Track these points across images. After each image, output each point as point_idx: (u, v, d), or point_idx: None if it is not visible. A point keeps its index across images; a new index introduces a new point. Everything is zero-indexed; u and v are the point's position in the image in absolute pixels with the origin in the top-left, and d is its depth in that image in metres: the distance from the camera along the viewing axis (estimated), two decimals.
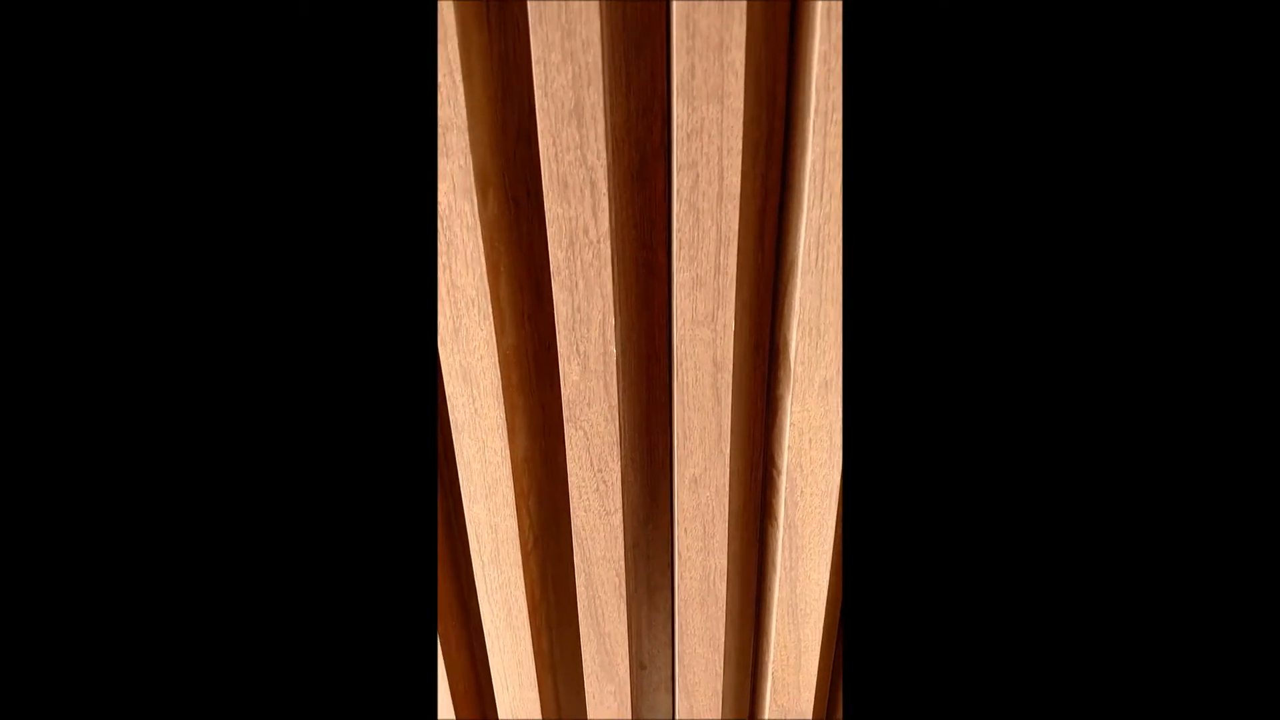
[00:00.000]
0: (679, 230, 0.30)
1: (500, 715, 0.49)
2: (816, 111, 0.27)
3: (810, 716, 0.43)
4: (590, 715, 0.47)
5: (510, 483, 0.38)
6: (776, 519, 0.37)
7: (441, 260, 0.32)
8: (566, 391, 0.35)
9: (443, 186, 0.31)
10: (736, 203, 0.29)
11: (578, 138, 0.28)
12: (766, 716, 0.45)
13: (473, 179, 0.31)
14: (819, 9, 0.25)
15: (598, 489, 0.37)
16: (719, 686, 0.43)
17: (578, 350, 0.33)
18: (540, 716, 0.47)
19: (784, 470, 0.35)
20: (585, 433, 0.35)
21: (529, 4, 0.27)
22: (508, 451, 0.37)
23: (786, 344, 0.33)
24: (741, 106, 0.27)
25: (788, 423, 0.34)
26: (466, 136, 0.30)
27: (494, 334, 0.34)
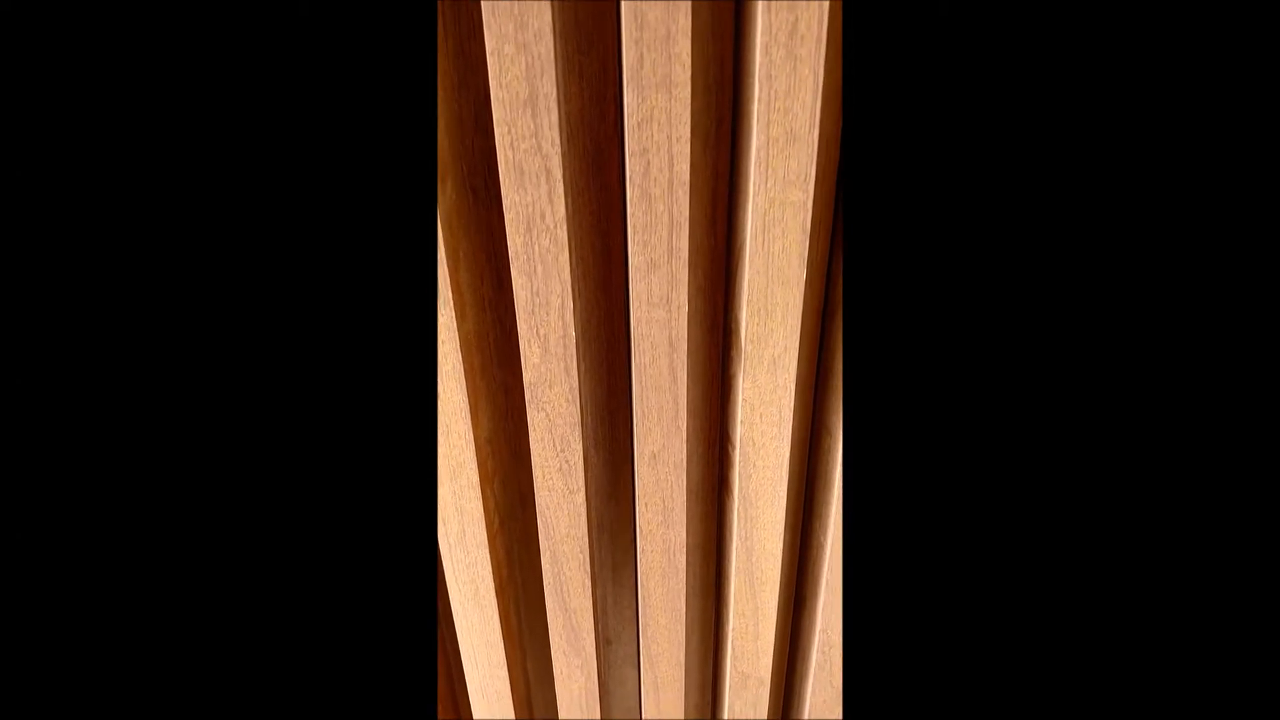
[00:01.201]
0: (633, 215, 0.31)
1: (470, 693, 0.50)
2: (760, 100, 0.28)
3: (769, 680, 0.45)
4: (559, 691, 0.48)
5: (475, 465, 0.39)
6: (732, 491, 0.39)
7: None
8: (528, 374, 0.36)
9: None
10: (687, 188, 0.30)
11: (533, 126, 0.29)
12: (728, 683, 0.47)
13: None
14: (760, 2, 0.27)
15: (561, 469, 0.38)
16: (681, 657, 0.45)
17: (538, 334, 0.34)
18: (510, 694, 0.49)
19: (738, 444, 0.37)
20: (547, 414, 0.37)
21: None
22: (471, 435, 0.38)
23: (738, 323, 0.34)
24: (689, 95, 0.28)
25: (740, 399, 0.35)
26: None
27: (455, 319, 0.35)
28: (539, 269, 0.33)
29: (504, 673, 0.48)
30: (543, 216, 0.31)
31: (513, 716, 0.49)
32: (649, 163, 0.30)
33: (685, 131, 0.29)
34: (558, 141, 0.30)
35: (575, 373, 0.35)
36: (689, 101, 0.28)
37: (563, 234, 0.32)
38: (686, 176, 0.30)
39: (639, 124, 0.29)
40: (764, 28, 0.27)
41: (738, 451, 0.37)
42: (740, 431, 0.36)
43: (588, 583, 0.42)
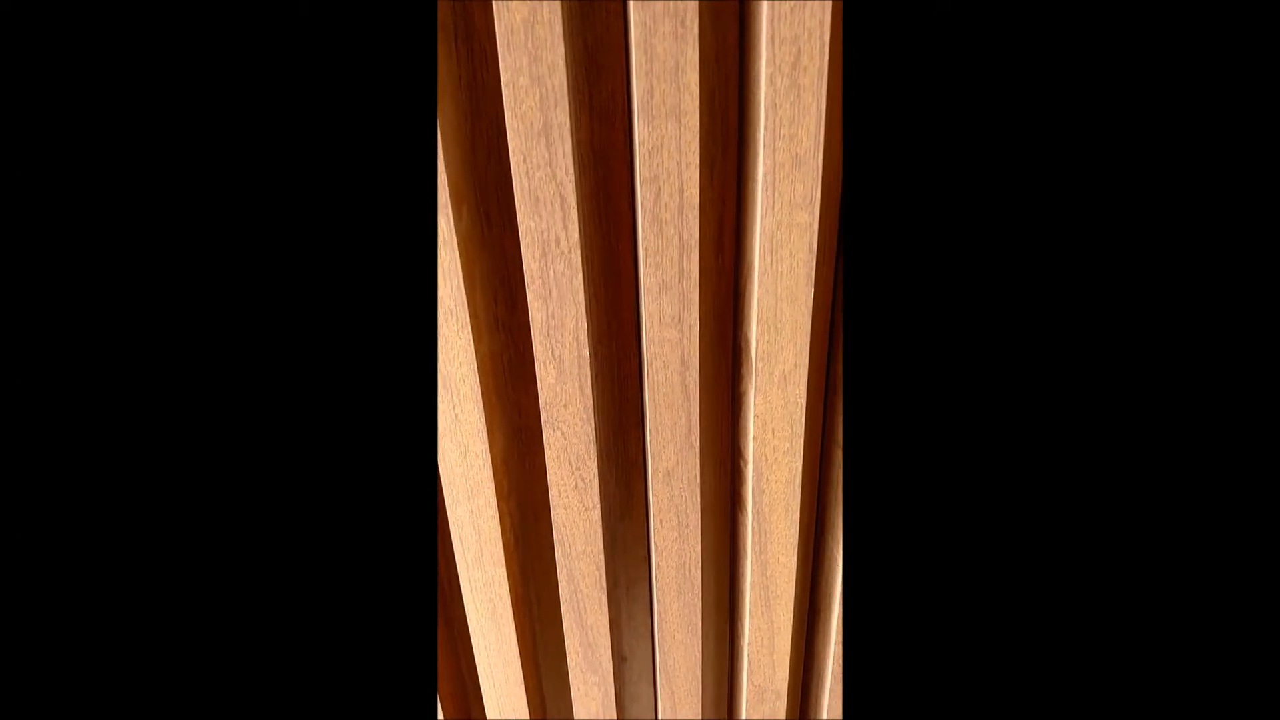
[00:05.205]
0: (644, 239, 0.32)
1: (488, 713, 0.50)
2: (765, 128, 0.29)
3: (785, 693, 0.45)
4: (575, 708, 0.49)
5: (491, 484, 0.40)
6: (746, 507, 0.39)
7: None
8: (543, 394, 0.36)
9: None
10: (696, 213, 0.31)
11: (547, 155, 0.30)
12: (744, 697, 0.47)
13: (448, 195, 0.32)
14: (764, 35, 0.28)
15: (576, 487, 0.39)
16: (698, 671, 0.45)
17: (553, 355, 0.35)
18: (527, 710, 0.49)
19: (750, 460, 0.37)
20: (563, 433, 0.37)
21: (497, 33, 0.29)
22: (488, 454, 0.39)
23: (748, 341, 0.35)
24: (698, 124, 0.29)
25: (752, 415, 0.36)
26: (440, 155, 0.31)
27: (471, 342, 0.36)
28: (554, 292, 0.34)
29: (521, 690, 0.48)
30: (557, 241, 0.32)
31: None
32: (660, 189, 0.31)
33: (694, 158, 0.30)
34: (571, 169, 0.31)
35: (589, 392, 0.36)
36: (698, 130, 0.29)
37: (576, 258, 0.32)
38: (696, 201, 0.31)
39: (650, 152, 0.30)
40: (768, 59, 0.28)
41: (750, 467, 0.38)
42: (752, 447, 0.37)
43: (603, 599, 0.43)
